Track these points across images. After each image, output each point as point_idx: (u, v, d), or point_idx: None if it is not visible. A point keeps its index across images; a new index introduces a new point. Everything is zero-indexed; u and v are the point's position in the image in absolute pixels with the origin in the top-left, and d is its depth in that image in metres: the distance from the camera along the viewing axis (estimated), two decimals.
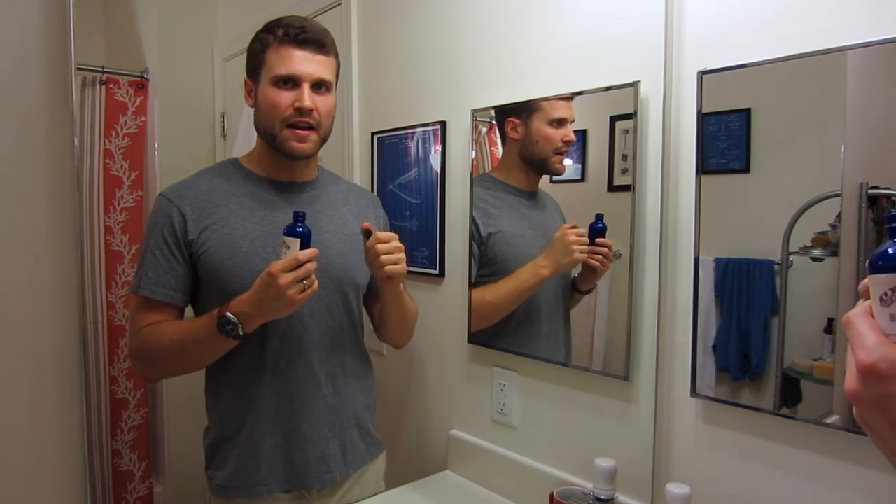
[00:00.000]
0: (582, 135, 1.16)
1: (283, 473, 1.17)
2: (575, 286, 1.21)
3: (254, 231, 1.15)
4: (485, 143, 1.36)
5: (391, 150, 1.63)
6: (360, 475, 1.26)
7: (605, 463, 1.03)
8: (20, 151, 1.16)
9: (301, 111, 1.12)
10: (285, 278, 0.99)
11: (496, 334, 1.34)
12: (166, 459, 2.30)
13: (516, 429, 1.33)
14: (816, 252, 0.86)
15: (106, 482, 2.17)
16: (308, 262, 1.01)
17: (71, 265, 1.22)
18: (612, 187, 1.12)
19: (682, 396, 1.03)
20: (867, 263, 0.44)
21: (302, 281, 1.01)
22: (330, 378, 1.20)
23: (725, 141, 0.94)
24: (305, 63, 1.12)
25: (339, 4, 1.77)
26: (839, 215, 0.83)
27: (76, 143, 1.30)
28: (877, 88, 0.81)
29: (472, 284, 1.37)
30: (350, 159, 1.76)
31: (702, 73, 0.96)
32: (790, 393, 0.90)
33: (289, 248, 1.02)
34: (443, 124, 1.46)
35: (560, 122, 1.20)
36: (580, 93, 1.15)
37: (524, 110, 1.25)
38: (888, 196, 0.79)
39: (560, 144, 1.20)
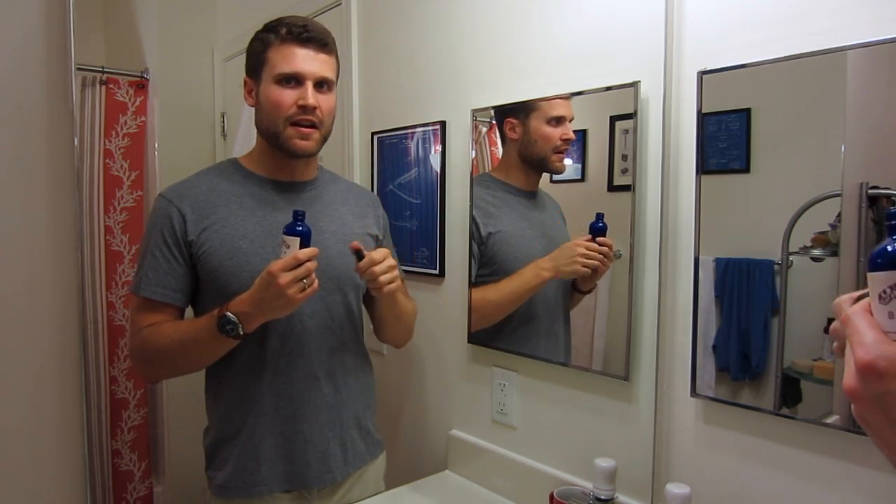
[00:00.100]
0: (582, 135, 1.16)
1: (284, 473, 1.17)
2: (575, 286, 1.21)
3: (254, 231, 1.15)
4: (485, 143, 1.36)
5: (391, 150, 1.63)
6: (360, 475, 1.26)
7: (605, 463, 1.03)
8: (20, 151, 1.16)
9: (305, 109, 1.12)
10: (285, 277, 0.99)
11: (496, 334, 1.34)
12: (166, 459, 2.30)
13: (516, 429, 1.33)
14: (816, 252, 0.86)
15: (106, 482, 2.18)
16: (308, 261, 1.01)
17: (71, 265, 1.22)
18: (612, 187, 1.12)
19: (682, 396, 1.03)
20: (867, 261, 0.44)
21: (302, 280, 1.01)
22: (330, 378, 1.20)
23: (725, 141, 0.94)
24: (308, 61, 1.13)
25: (339, 4, 1.77)
26: (839, 215, 0.83)
27: (76, 143, 1.31)
28: (877, 88, 0.81)
29: (473, 284, 1.37)
30: (350, 159, 1.76)
31: (702, 73, 0.96)
32: (790, 393, 0.90)
33: (288, 247, 1.02)
34: (443, 124, 1.46)
35: (558, 121, 1.20)
36: (580, 93, 1.15)
37: (522, 110, 1.25)
38: (888, 196, 0.79)
39: (559, 143, 1.20)
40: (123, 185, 2.20)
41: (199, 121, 2.45)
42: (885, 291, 0.42)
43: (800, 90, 0.88)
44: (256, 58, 1.16)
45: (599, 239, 1.13)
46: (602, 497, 1.03)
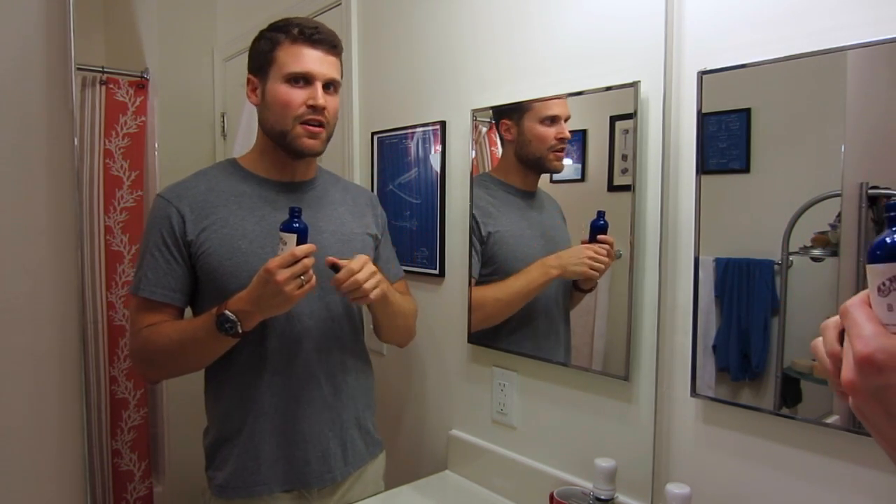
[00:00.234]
0: (582, 135, 1.16)
1: (284, 473, 1.17)
2: (576, 284, 1.21)
3: (253, 231, 1.15)
4: (485, 143, 1.36)
5: (391, 150, 1.63)
6: (359, 475, 1.26)
7: (605, 463, 1.03)
8: (20, 151, 1.16)
9: (315, 109, 1.13)
10: (283, 274, 0.99)
11: (496, 334, 1.34)
12: (166, 459, 2.30)
13: (516, 429, 1.33)
14: (816, 252, 0.86)
15: (106, 482, 2.17)
16: (305, 257, 1.01)
17: (71, 265, 1.22)
18: (612, 187, 1.12)
19: (682, 396, 1.03)
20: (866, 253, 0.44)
21: (300, 276, 1.01)
22: (330, 377, 1.20)
23: (725, 141, 0.94)
24: (319, 62, 1.14)
25: (339, 4, 1.77)
26: (839, 215, 0.83)
27: (76, 143, 1.30)
28: (877, 88, 0.81)
29: (475, 283, 1.37)
30: (350, 159, 1.76)
31: (702, 73, 0.96)
32: (790, 393, 0.90)
33: (285, 243, 1.02)
34: (443, 124, 1.46)
35: (553, 120, 1.20)
36: (580, 93, 1.15)
37: (516, 111, 1.25)
38: (888, 196, 0.79)
39: (554, 142, 1.20)
40: (123, 185, 2.20)
41: (199, 121, 2.45)
42: (883, 284, 0.42)
43: (800, 90, 0.88)
44: (264, 56, 1.16)
45: (601, 237, 1.13)
46: (602, 497, 1.03)
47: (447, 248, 1.47)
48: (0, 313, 1.15)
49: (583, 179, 1.17)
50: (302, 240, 1.02)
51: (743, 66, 0.91)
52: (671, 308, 1.04)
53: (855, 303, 0.44)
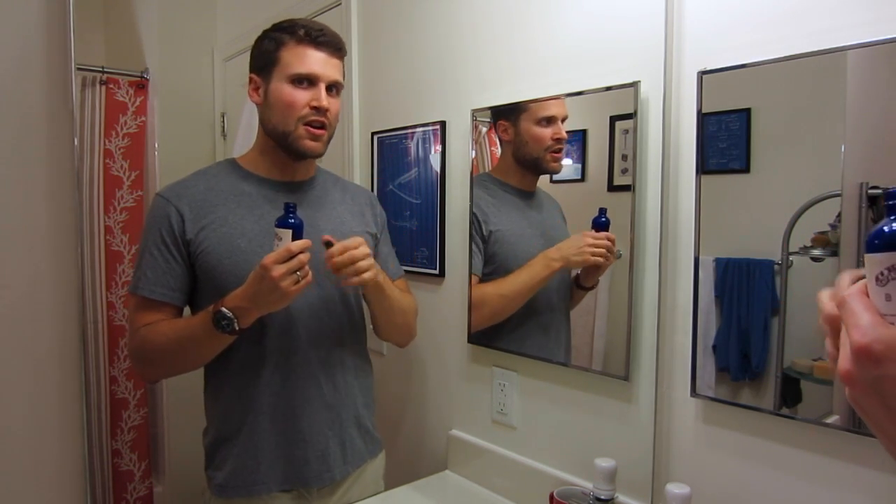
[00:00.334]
0: (582, 135, 1.16)
1: (283, 472, 1.17)
2: (577, 282, 1.21)
3: (252, 230, 1.15)
4: (485, 143, 1.36)
5: (391, 150, 1.63)
6: (359, 474, 1.26)
7: (605, 463, 1.03)
8: (20, 151, 1.16)
9: (318, 110, 1.13)
10: (278, 270, 0.99)
11: (496, 334, 1.34)
12: (166, 459, 2.30)
13: (516, 429, 1.33)
14: (816, 252, 0.86)
15: (106, 482, 2.18)
16: (301, 252, 1.01)
17: (71, 265, 1.22)
18: (612, 187, 1.12)
19: (682, 396, 1.03)
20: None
21: (296, 272, 1.01)
22: (329, 376, 1.20)
23: (725, 141, 0.94)
24: (323, 64, 1.14)
25: (339, 4, 1.77)
26: (839, 215, 0.83)
27: (76, 143, 1.31)
28: (877, 88, 0.81)
29: (479, 280, 1.37)
30: (350, 159, 1.76)
31: (702, 73, 0.96)
32: (790, 393, 0.90)
33: (281, 239, 1.02)
34: (443, 124, 1.46)
35: (549, 121, 1.20)
36: (580, 93, 1.15)
37: (512, 112, 1.25)
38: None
39: (551, 143, 1.20)
40: (123, 185, 2.20)
41: (199, 121, 2.45)
42: (882, 273, 0.41)
43: (800, 90, 0.88)
44: (268, 56, 1.16)
45: (602, 233, 1.13)
46: (602, 497, 1.03)
47: (447, 248, 1.47)
48: (0, 313, 1.15)
49: (583, 179, 1.17)
50: (297, 235, 1.02)
51: (743, 66, 0.91)
52: (671, 308, 1.04)
53: (852, 293, 0.43)
